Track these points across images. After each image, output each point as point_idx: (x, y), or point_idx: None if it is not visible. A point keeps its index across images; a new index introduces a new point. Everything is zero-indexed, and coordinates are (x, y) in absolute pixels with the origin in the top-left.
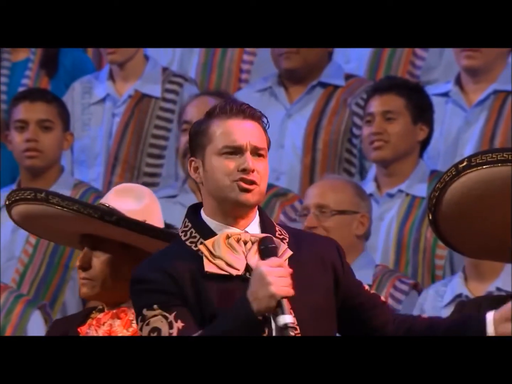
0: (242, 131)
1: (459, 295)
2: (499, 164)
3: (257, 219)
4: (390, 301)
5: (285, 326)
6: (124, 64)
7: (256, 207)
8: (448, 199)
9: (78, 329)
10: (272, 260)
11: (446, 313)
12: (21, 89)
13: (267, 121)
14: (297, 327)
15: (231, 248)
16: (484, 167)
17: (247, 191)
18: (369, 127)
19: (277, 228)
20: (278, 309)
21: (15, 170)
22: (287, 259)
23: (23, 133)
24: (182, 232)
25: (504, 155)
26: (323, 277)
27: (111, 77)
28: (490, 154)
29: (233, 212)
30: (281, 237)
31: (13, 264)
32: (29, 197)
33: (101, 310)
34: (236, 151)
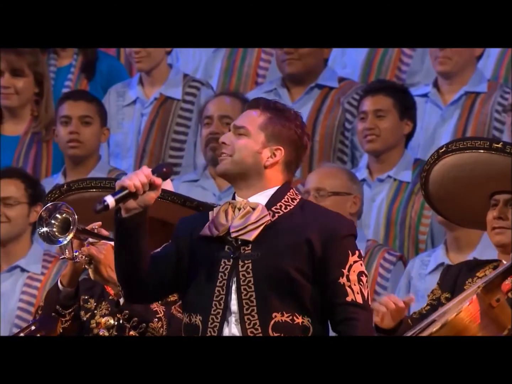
0: None
1: (441, 264)
2: (468, 151)
3: (268, 191)
4: (380, 270)
5: (100, 201)
6: (150, 71)
7: (265, 179)
8: (433, 179)
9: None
10: (143, 167)
11: (429, 279)
12: (64, 90)
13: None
14: (106, 205)
15: (224, 214)
16: (456, 153)
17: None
18: (363, 123)
19: (279, 204)
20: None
21: (63, 160)
22: (264, 225)
23: (67, 127)
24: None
25: (472, 143)
26: (298, 252)
27: (141, 82)
28: (462, 142)
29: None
30: (276, 210)
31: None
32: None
33: None
34: None
